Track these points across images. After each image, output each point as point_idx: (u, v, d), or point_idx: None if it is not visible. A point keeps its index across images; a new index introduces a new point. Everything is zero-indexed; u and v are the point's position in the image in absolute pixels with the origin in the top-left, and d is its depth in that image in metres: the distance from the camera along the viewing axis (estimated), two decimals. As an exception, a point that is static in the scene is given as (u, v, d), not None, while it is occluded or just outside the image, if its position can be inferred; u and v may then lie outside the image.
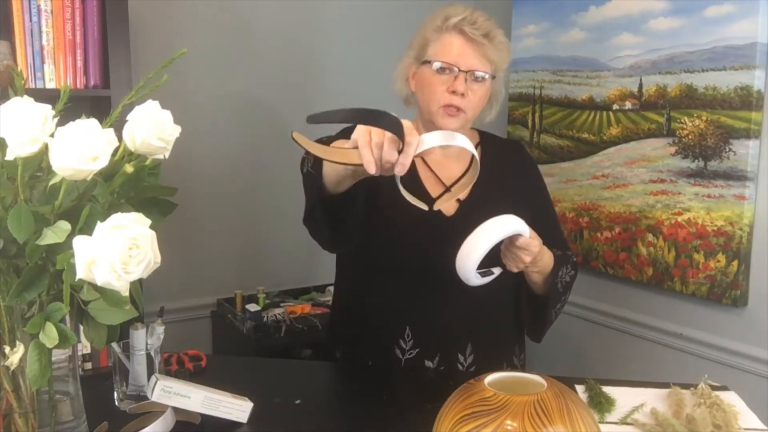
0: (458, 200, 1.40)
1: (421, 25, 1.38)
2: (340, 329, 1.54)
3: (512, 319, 1.48)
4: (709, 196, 1.93)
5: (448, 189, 1.40)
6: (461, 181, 1.41)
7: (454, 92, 1.29)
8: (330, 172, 1.14)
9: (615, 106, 2.20)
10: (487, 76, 1.32)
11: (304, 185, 1.29)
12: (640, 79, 2.11)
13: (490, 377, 0.85)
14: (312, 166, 1.20)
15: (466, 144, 1.04)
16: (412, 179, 1.40)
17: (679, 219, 2.02)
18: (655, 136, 2.08)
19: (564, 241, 1.51)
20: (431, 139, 1.00)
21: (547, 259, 1.31)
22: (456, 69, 1.30)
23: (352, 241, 1.30)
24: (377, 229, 1.35)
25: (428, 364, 1.37)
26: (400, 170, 0.97)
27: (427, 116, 1.37)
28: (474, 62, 1.30)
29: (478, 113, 1.38)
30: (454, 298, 1.36)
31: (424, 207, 1.11)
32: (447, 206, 1.39)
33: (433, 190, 1.40)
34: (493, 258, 1.20)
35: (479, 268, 1.17)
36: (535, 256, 1.22)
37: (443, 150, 1.43)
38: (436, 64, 1.31)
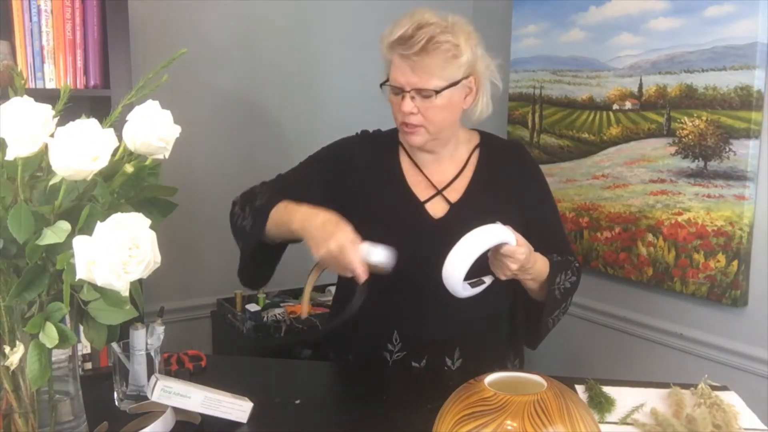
0: (448, 202, 1.39)
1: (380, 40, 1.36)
2: (334, 330, 1.54)
3: (505, 324, 1.46)
4: (709, 196, 1.93)
5: (439, 192, 1.39)
6: (453, 185, 1.40)
7: (403, 113, 1.30)
8: (276, 235, 1.30)
9: (615, 106, 2.20)
10: (433, 94, 1.28)
11: (237, 239, 1.42)
12: (640, 79, 2.11)
13: (490, 377, 0.85)
14: (252, 228, 1.33)
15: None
16: (398, 184, 1.40)
17: (679, 219, 2.02)
18: (655, 136, 2.08)
19: (567, 245, 1.48)
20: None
21: (541, 265, 1.29)
22: (401, 90, 1.29)
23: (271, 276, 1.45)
24: (365, 233, 1.35)
25: (415, 365, 1.37)
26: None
27: None
28: (414, 80, 1.27)
29: (449, 122, 1.35)
30: (442, 301, 1.33)
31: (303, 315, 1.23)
32: (436, 208, 1.38)
33: (422, 194, 1.39)
34: (482, 265, 1.19)
35: (468, 278, 1.16)
36: (523, 263, 1.21)
37: (431, 156, 1.42)
38: (390, 88, 1.32)
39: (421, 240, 1.29)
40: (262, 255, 1.36)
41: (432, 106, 1.29)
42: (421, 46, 1.25)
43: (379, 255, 1.16)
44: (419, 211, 1.37)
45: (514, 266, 1.20)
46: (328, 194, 1.38)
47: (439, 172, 1.41)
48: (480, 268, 1.19)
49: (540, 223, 1.39)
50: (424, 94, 1.28)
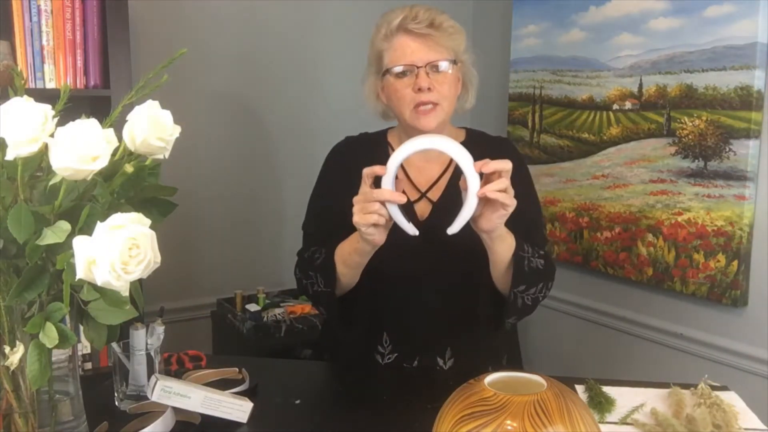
0: (431, 202, 1.38)
1: (370, 40, 1.39)
2: (328, 333, 1.55)
3: (493, 320, 1.45)
4: (709, 196, 1.93)
5: (423, 194, 1.39)
6: (438, 184, 1.40)
7: (420, 90, 1.29)
8: (350, 274, 1.28)
9: (615, 106, 2.20)
10: (447, 64, 1.31)
11: (317, 306, 1.44)
12: (640, 79, 2.11)
13: (490, 377, 0.85)
14: (325, 285, 1.31)
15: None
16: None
17: (679, 219, 2.02)
18: (655, 136, 2.08)
19: (543, 237, 1.43)
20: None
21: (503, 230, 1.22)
22: (414, 68, 1.30)
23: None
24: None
25: (407, 366, 1.37)
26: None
27: (404, 122, 1.37)
28: (429, 55, 1.30)
29: (455, 103, 1.37)
30: (428, 301, 1.36)
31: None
32: (422, 209, 1.38)
33: (411, 194, 1.38)
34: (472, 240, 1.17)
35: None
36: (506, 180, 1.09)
37: (421, 153, 1.42)
38: (396, 69, 1.31)
39: (409, 241, 1.28)
40: (344, 304, 1.36)
41: (445, 81, 1.31)
42: (429, 21, 1.30)
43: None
44: (409, 212, 1.36)
45: (503, 184, 1.08)
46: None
47: (425, 173, 1.40)
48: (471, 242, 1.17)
49: (520, 218, 1.37)
50: (438, 67, 1.30)
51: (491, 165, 1.07)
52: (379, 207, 1.11)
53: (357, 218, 1.12)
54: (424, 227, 1.33)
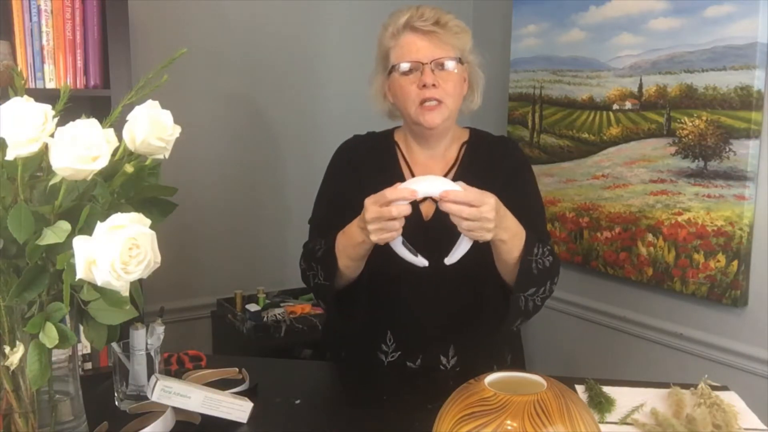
0: (435, 201, 1.38)
1: (378, 40, 1.40)
2: (330, 331, 1.55)
3: (497, 320, 1.45)
4: (709, 196, 1.93)
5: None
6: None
7: (425, 86, 1.30)
8: (351, 265, 1.28)
9: (615, 106, 2.20)
10: (452, 63, 1.33)
11: (318, 298, 1.43)
12: (640, 79, 2.11)
13: (490, 377, 0.85)
14: (325, 278, 1.31)
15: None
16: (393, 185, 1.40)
17: (679, 219, 2.02)
18: (655, 136, 2.08)
19: (546, 234, 1.43)
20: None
21: (514, 224, 1.23)
22: (420, 64, 1.31)
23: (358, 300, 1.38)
24: None
25: (410, 365, 1.38)
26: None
27: (409, 120, 1.38)
28: (434, 52, 1.31)
29: (460, 101, 1.38)
30: (432, 300, 1.36)
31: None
32: (427, 209, 1.38)
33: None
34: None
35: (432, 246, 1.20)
36: (482, 209, 1.13)
37: (426, 152, 1.43)
38: (402, 66, 1.33)
39: (413, 241, 1.28)
40: (346, 297, 1.36)
41: (450, 79, 1.32)
42: (434, 19, 1.32)
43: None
44: (414, 212, 1.37)
45: (465, 210, 1.13)
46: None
47: (430, 169, 1.41)
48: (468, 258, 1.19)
49: (521, 211, 1.37)
50: (443, 65, 1.32)
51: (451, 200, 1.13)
52: (398, 225, 1.15)
53: (376, 237, 1.16)
54: (428, 227, 1.34)
